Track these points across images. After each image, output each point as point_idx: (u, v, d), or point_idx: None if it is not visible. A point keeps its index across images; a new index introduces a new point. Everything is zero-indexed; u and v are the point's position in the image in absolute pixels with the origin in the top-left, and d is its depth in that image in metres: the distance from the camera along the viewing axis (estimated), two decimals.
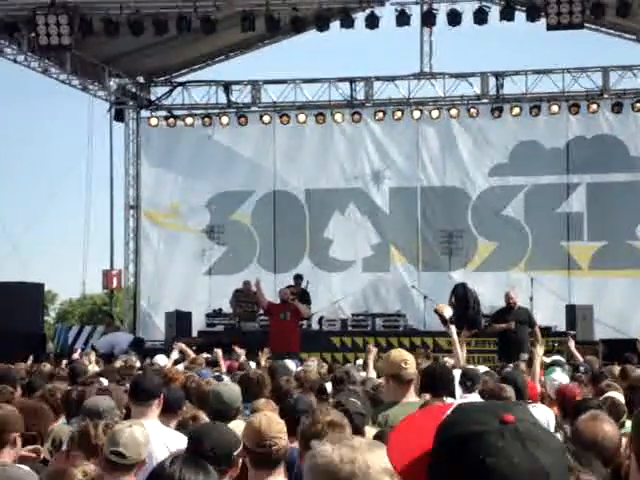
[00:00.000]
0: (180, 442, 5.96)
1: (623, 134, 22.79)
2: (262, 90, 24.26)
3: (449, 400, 6.91)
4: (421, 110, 23.15)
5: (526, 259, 22.82)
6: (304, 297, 20.51)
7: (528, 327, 17.30)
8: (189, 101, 24.56)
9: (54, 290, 64.42)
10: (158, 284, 24.19)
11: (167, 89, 24.73)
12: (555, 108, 22.72)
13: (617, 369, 11.03)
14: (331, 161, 23.75)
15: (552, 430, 6.68)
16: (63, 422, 7.28)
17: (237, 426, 5.49)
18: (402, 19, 20.03)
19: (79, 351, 16.85)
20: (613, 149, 22.73)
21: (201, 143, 24.02)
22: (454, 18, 19.83)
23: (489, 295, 20.76)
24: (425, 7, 20.48)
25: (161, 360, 13.29)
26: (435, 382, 7.21)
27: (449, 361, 10.77)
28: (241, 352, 13.90)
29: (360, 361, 13.84)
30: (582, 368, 11.72)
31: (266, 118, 23.68)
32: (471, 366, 10.29)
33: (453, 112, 23.04)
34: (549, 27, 18.70)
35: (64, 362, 14.56)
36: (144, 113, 24.80)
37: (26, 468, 4.77)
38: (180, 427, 6.54)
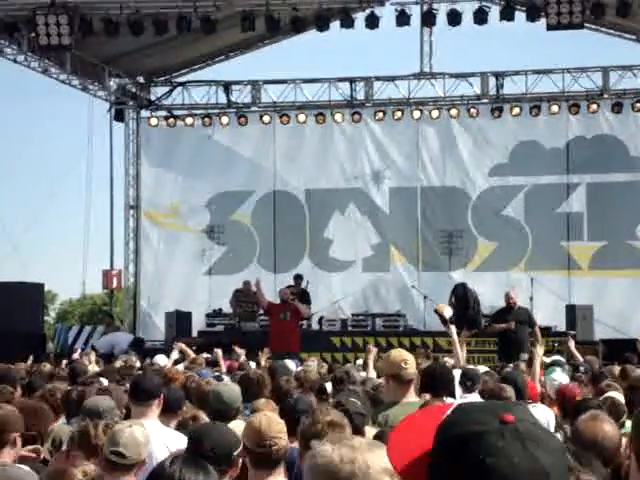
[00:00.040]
0: (180, 442, 5.96)
1: (623, 134, 22.78)
2: (262, 90, 24.26)
3: (449, 400, 6.91)
4: (421, 110, 23.15)
5: (526, 259, 22.81)
6: (304, 297, 20.50)
7: (528, 327, 17.30)
8: (189, 101, 24.57)
9: (54, 290, 64.49)
10: (158, 284, 24.18)
11: (167, 89, 24.73)
12: (555, 108, 22.72)
13: (617, 369, 11.03)
14: (331, 161, 23.75)
15: (552, 430, 6.68)
16: (63, 422, 7.28)
17: (237, 426, 5.49)
18: (402, 19, 20.03)
19: (79, 351, 16.84)
20: (613, 149, 22.72)
21: (201, 143, 24.02)
22: (454, 18, 19.82)
23: (489, 295, 20.76)
24: (425, 7, 20.48)
25: (161, 360, 13.29)
26: (435, 382, 7.21)
27: (449, 361, 10.77)
28: (241, 352, 13.90)
29: (360, 361, 13.84)
30: (582, 368, 11.72)
31: (266, 118, 23.68)
32: (471, 366, 10.29)
33: (453, 112, 23.04)
34: (549, 27, 18.70)
35: (64, 362, 14.56)
36: (144, 113, 24.80)
37: (26, 468, 4.78)
38: (180, 427, 6.54)
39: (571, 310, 20.81)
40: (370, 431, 5.53)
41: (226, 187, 23.89)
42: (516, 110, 22.85)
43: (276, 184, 23.87)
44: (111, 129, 24.33)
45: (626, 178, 22.67)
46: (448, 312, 11.56)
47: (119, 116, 24.53)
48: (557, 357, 12.98)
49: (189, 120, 24.12)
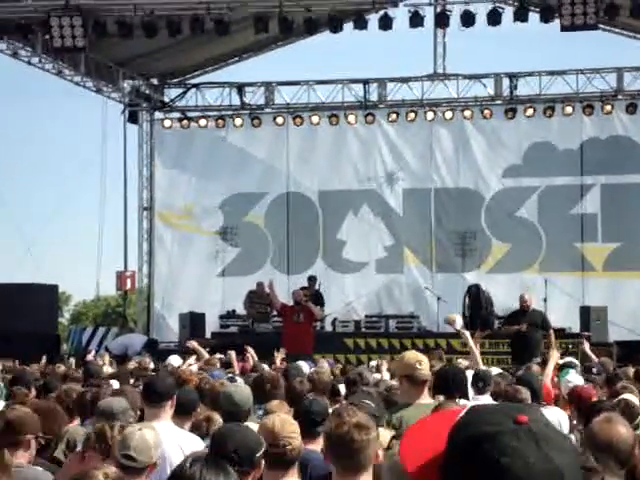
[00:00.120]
0: (194, 444, 5.96)
1: (637, 135, 22.71)
2: (275, 91, 24.27)
3: (462, 402, 6.90)
4: (434, 111, 23.12)
5: (540, 260, 22.76)
6: (317, 299, 20.49)
7: (542, 330, 17.22)
8: (203, 103, 24.60)
9: (68, 291, 64.59)
10: (172, 285, 24.22)
11: (181, 91, 24.77)
12: (569, 109, 22.67)
13: (632, 371, 10.99)
14: (344, 162, 23.74)
15: (565, 432, 6.67)
16: (78, 424, 7.29)
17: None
18: (415, 20, 19.98)
19: (93, 352, 16.87)
20: (627, 150, 22.65)
21: (215, 145, 24.06)
22: (468, 19, 19.77)
23: (502, 297, 20.70)
24: (438, 8, 20.45)
25: (175, 361, 13.29)
26: (448, 384, 7.20)
27: (463, 362, 10.74)
28: (252, 354, 13.85)
29: (373, 362, 13.83)
30: (595, 369, 11.67)
31: (279, 119, 23.71)
32: (484, 367, 10.25)
33: (467, 113, 23.01)
34: (563, 28, 18.64)
35: (72, 362, 14.61)
36: (158, 115, 24.86)
37: (40, 469, 4.79)
38: (194, 429, 6.54)
39: (585, 312, 20.75)
40: (384, 433, 5.52)
41: (239, 189, 23.91)
42: (530, 111, 22.80)
43: (289, 185, 23.88)
44: (125, 131, 24.41)
45: None
46: (459, 322, 11.50)
47: (133, 118, 24.57)
48: (570, 359, 12.93)
49: (203, 122, 24.15)
